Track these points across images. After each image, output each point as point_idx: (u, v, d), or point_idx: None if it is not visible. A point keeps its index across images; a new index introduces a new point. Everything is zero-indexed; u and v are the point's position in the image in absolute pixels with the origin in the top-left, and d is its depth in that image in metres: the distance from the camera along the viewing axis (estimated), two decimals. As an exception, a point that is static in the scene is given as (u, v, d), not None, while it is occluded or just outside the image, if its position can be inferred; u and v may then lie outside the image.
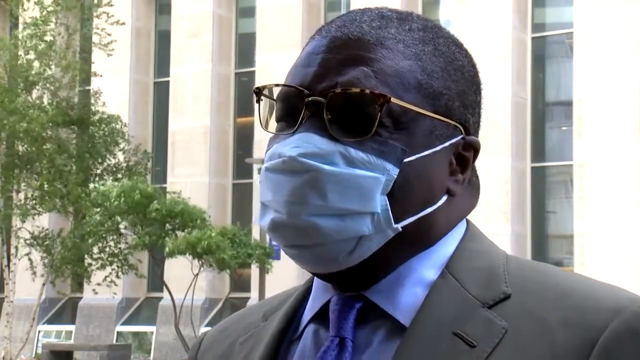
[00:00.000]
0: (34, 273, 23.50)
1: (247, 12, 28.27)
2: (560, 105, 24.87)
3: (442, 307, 1.23)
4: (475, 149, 1.31)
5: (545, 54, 25.09)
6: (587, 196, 22.83)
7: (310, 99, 1.24)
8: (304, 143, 1.23)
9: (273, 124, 1.30)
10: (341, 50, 1.26)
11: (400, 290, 1.26)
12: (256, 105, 1.31)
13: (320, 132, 1.23)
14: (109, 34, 23.87)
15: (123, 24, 24.64)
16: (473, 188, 1.34)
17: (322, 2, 26.91)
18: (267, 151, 1.28)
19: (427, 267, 1.27)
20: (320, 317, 1.30)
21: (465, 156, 1.30)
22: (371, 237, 1.23)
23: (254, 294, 24.44)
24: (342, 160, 1.22)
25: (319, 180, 1.22)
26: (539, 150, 24.65)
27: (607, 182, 22.46)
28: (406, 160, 1.24)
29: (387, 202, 1.23)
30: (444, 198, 1.28)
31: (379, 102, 1.23)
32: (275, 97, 1.30)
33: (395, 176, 1.23)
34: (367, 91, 1.23)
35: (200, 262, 21.29)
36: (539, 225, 24.58)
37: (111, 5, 24.15)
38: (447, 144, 1.28)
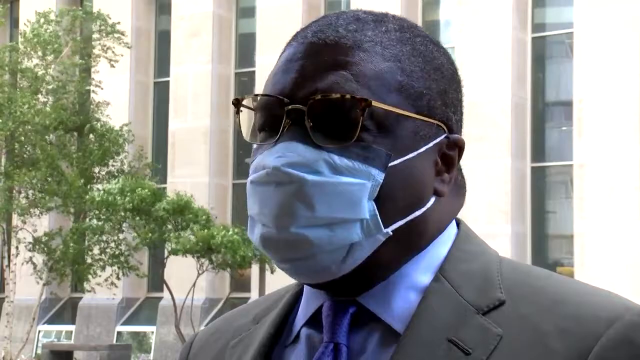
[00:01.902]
0: (40, 277, 23.52)
1: (247, 12, 28.27)
2: (560, 105, 24.86)
3: (437, 313, 1.22)
4: (459, 147, 1.30)
5: (545, 54, 25.08)
6: (587, 196, 22.82)
7: (290, 107, 1.22)
8: (287, 152, 1.21)
9: (252, 134, 1.28)
10: (319, 56, 1.24)
11: (393, 296, 1.24)
12: (236, 117, 1.29)
13: (303, 140, 1.21)
14: (115, 53, 24.23)
15: (130, 47, 24.99)
16: (459, 187, 1.33)
17: (322, 2, 26.91)
18: (251, 162, 1.26)
19: (420, 271, 1.26)
20: (313, 321, 1.29)
21: (450, 155, 1.29)
22: (362, 244, 1.22)
23: (254, 294, 24.43)
24: (327, 167, 1.21)
25: (305, 191, 1.20)
26: (539, 150, 24.64)
27: (607, 182, 22.45)
28: (391, 164, 1.22)
29: (375, 208, 1.21)
30: (433, 199, 1.27)
31: (360, 106, 1.21)
32: (254, 106, 1.27)
33: (381, 181, 1.21)
34: (348, 96, 1.21)
35: (201, 262, 21.27)
36: (539, 225, 24.56)
37: (119, 32, 24.45)
38: (431, 144, 1.26)
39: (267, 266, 21.78)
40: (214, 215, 22.95)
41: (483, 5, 23.99)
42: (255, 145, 1.28)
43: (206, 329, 1.44)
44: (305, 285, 1.32)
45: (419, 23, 25.66)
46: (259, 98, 1.27)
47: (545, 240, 24.82)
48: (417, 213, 1.25)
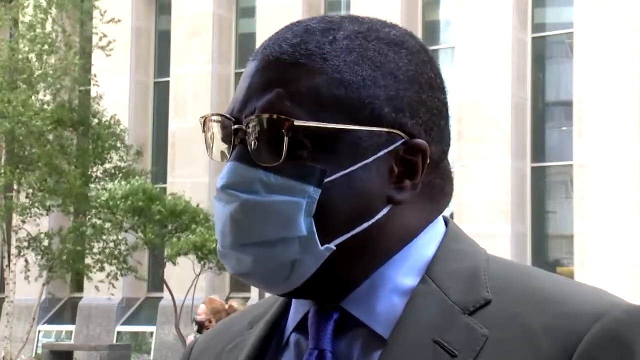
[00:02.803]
0: (27, 277, 23.51)
1: (247, 12, 28.28)
2: (560, 105, 24.87)
3: (423, 314, 1.22)
4: (422, 151, 1.26)
5: (545, 54, 25.08)
6: (587, 196, 22.82)
7: (235, 126, 1.25)
8: (230, 173, 1.24)
9: (217, 152, 1.31)
10: (263, 73, 1.26)
11: (376, 300, 1.24)
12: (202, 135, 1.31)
13: (244, 160, 1.24)
14: (105, 35, 23.97)
15: (119, 21, 24.67)
16: (437, 190, 1.30)
17: (322, 2, 26.92)
18: None
19: (403, 273, 1.25)
20: (302, 327, 1.29)
21: (411, 160, 1.26)
22: (304, 260, 1.22)
23: (254, 294, 24.43)
24: (262, 187, 1.22)
25: (242, 211, 1.22)
26: (539, 150, 24.64)
27: (607, 182, 22.45)
28: (328, 179, 1.22)
29: (313, 224, 1.21)
30: (387, 208, 1.25)
31: (284, 126, 1.21)
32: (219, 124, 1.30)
33: (317, 197, 1.21)
34: (275, 116, 1.22)
35: (202, 263, 21.29)
36: (539, 225, 24.56)
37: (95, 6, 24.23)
38: (381, 153, 1.24)
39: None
40: (211, 214, 22.94)
41: (483, 5, 23.99)
42: None
43: (207, 332, 1.45)
44: None
45: (419, 23, 25.71)
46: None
47: (545, 240, 24.82)
48: (365, 225, 1.24)
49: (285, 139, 1.21)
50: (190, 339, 10.07)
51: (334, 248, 1.22)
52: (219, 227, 1.25)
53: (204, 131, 1.30)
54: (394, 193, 1.25)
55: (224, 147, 1.29)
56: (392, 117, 1.25)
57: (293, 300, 1.32)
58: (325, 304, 1.26)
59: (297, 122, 1.21)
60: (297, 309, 1.31)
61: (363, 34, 1.28)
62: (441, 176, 1.31)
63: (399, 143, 1.25)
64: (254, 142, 1.24)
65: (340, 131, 1.23)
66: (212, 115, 1.29)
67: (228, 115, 1.27)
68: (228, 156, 1.27)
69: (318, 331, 1.25)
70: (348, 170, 1.23)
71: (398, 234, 1.26)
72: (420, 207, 1.28)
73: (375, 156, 1.24)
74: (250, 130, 1.24)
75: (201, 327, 7.90)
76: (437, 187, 1.30)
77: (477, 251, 1.29)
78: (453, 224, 1.32)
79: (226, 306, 7.89)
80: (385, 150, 1.25)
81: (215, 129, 1.29)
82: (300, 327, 1.29)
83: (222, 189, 1.24)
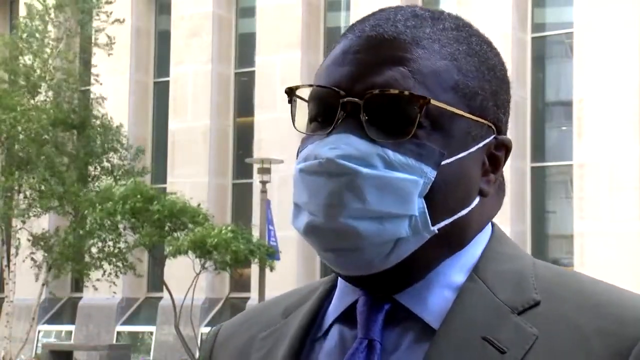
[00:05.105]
0: (37, 273, 23.54)
1: (247, 12, 28.29)
2: (560, 105, 24.88)
3: (472, 311, 1.22)
4: (507, 148, 1.29)
5: (545, 54, 25.08)
6: (587, 196, 22.82)
7: (346, 99, 1.22)
8: (341, 144, 1.20)
9: (303, 124, 1.27)
10: (377, 50, 1.24)
11: (429, 293, 1.24)
12: (288, 106, 1.28)
13: (358, 133, 1.21)
14: (108, 36, 23.99)
15: (123, 21, 24.71)
16: (500, 188, 1.32)
17: (322, 2, 26.91)
18: (299, 151, 1.25)
19: (456, 270, 1.26)
20: (346, 317, 1.28)
21: (497, 156, 1.28)
22: (408, 240, 1.21)
23: (253, 294, 24.43)
24: (381, 162, 1.20)
25: (358, 183, 1.20)
26: (539, 150, 24.65)
27: (607, 182, 22.45)
28: (443, 162, 1.22)
29: (424, 205, 1.21)
30: (477, 199, 1.26)
31: (418, 103, 1.20)
32: (307, 96, 1.27)
33: (433, 179, 1.21)
34: (407, 93, 1.20)
35: (202, 262, 21.29)
36: (539, 225, 24.57)
37: (110, 3, 24.25)
38: (481, 144, 1.26)
39: (267, 266, 21.79)
40: (212, 215, 22.94)
41: (483, 5, 23.99)
42: (304, 135, 1.27)
43: (234, 319, 1.43)
44: (339, 281, 1.31)
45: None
46: (312, 88, 1.26)
47: (545, 240, 24.82)
48: (463, 212, 1.25)
49: (418, 117, 1.20)
50: None
51: (437, 231, 1.22)
52: (322, 199, 1.21)
53: (290, 102, 1.27)
54: (484, 185, 1.27)
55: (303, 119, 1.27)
56: (494, 111, 1.28)
57: (338, 289, 1.31)
58: (378, 294, 1.26)
59: (433, 101, 1.21)
60: (342, 299, 1.29)
61: (465, 27, 1.33)
62: (502, 175, 1.34)
63: (492, 137, 1.28)
64: (374, 117, 1.21)
65: (458, 116, 1.24)
66: (312, 85, 1.26)
67: (336, 88, 1.23)
68: (321, 129, 1.24)
69: (368, 321, 1.24)
70: (461, 155, 1.24)
71: (475, 226, 1.28)
72: (491, 202, 1.30)
73: (478, 146, 1.26)
74: (369, 104, 1.21)
75: None
76: (502, 184, 1.33)
77: (522, 255, 1.30)
78: (498, 228, 1.33)
79: None
80: (484, 142, 1.27)
81: (313, 100, 1.26)
82: (344, 317, 1.28)
83: (335, 159, 1.20)
